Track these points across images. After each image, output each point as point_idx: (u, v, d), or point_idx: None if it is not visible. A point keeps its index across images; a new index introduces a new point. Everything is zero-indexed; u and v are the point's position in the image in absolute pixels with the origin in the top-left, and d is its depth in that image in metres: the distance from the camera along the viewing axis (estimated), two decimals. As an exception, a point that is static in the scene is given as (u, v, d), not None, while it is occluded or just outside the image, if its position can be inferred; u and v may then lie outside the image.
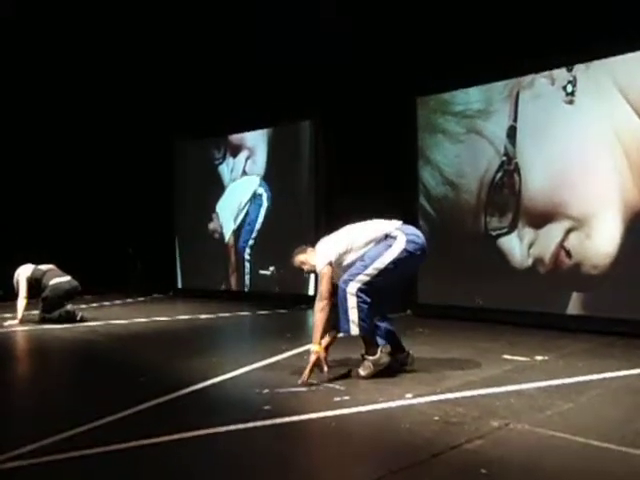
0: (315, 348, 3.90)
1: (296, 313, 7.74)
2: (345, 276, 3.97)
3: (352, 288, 3.89)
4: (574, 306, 5.96)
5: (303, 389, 3.78)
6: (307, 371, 3.88)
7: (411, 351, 4.29)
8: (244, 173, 9.35)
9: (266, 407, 3.41)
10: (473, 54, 6.42)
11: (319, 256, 4.08)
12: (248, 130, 9.25)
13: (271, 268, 8.84)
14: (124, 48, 9.33)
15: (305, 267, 4.28)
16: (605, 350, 4.96)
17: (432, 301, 7.07)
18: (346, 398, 3.55)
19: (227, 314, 7.71)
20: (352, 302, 3.89)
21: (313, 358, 3.89)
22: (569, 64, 5.95)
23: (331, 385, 3.83)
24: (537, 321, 6.04)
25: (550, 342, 5.27)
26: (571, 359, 4.62)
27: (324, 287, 3.96)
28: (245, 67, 8.62)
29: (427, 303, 7.12)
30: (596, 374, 4.03)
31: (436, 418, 3.15)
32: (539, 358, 4.62)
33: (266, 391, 3.75)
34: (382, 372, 4.03)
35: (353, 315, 3.89)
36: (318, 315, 3.94)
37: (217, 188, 9.78)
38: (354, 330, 3.90)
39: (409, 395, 3.57)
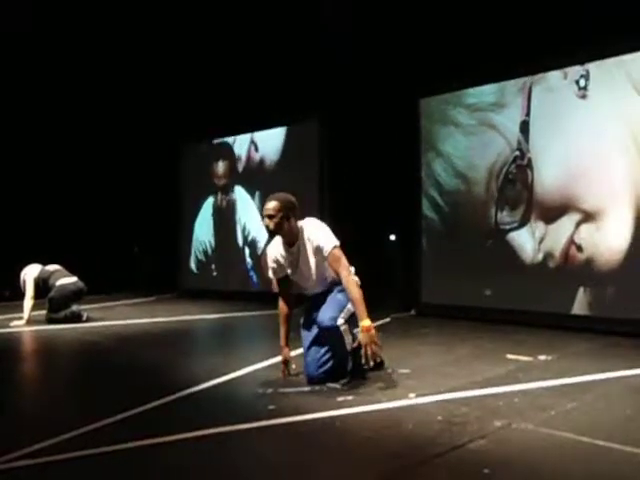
0: (370, 323, 3.60)
1: (300, 313, 7.73)
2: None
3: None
4: (580, 306, 5.93)
5: (307, 389, 3.80)
6: (376, 350, 3.62)
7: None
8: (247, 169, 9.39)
9: (270, 407, 3.42)
10: (485, 51, 6.39)
11: (330, 235, 3.81)
12: (254, 131, 9.25)
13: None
14: (132, 50, 9.36)
15: (276, 219, 3.73)
16: (610, 350, 4.95)
17: (436, 300, 7.07)
18: (349, 398, 3.56)
19: (232, 314, 7.72)
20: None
21: (374, 333, 3.61)
22: (581, 62, 5.88)
23: (334, 385, 3.83)
24: (541, 320, 6.01)
25: (554, 342, 5.27)
26: (575, 359, 4.62)
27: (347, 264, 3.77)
28: (251, 67, 8.63)
29: (430, 302, 7.11)
30: (600, 374, 4.02)
31: (439, 418, 3.16)
32: (543, 358, 4.62)
33: (270, 391, 3.77)
34: (384, 373, 4.12)
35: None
36: (358, 290, 3.70)
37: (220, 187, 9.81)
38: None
39: (412, 395, 3.58)
